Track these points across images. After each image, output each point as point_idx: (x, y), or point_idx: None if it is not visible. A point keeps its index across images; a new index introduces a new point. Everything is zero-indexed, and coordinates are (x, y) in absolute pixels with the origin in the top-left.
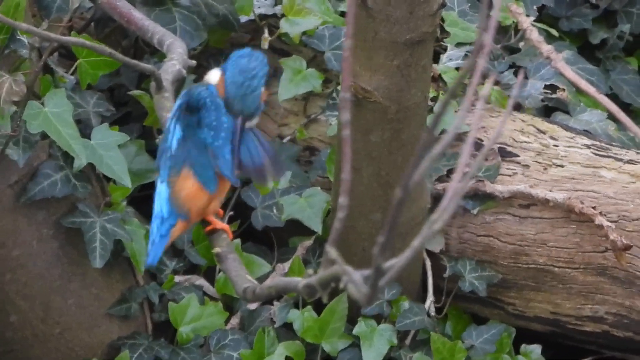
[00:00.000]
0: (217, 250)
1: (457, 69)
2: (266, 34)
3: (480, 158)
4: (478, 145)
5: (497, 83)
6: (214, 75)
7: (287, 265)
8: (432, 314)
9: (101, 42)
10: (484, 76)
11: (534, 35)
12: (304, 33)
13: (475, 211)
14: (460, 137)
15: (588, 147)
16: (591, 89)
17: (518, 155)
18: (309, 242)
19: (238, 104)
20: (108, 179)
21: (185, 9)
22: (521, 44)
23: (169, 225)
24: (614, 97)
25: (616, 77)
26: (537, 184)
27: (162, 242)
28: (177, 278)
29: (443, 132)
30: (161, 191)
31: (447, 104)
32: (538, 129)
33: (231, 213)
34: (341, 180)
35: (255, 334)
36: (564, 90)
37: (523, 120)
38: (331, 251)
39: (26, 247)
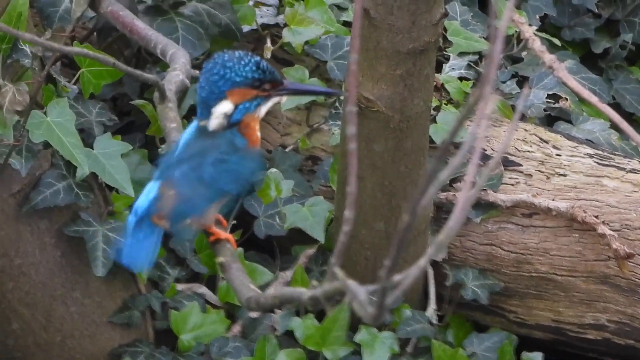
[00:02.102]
0: (220, 259)
1: (460, 78)
2: (269, 44)
3: (488, 170)
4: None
5: (496, 90)
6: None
7: (289, 274)
8: (434, 321)
9: (103, 51)
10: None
11: (537, 44)
12: (306, 42)
13: (478, 220)
14: (458, 146)
15: (591, 156)
16: (594, 99)
17: (521, 165)
18: (311, 251)
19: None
20: (110, 188)
21: (187, 18)
22: (524, 54)
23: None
24: (616, 106)
25: (619, 87)
26: (540, 193)
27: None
28: (179, 286)
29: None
30: (151, 190)
31: (460, 125)
32: (541, 138)
33: (234, 222)
34: (347, 192)
35: (257, 342)
36: (566, 99)
37: (526, 130)
38: (335, 268)
39: (28, 255)
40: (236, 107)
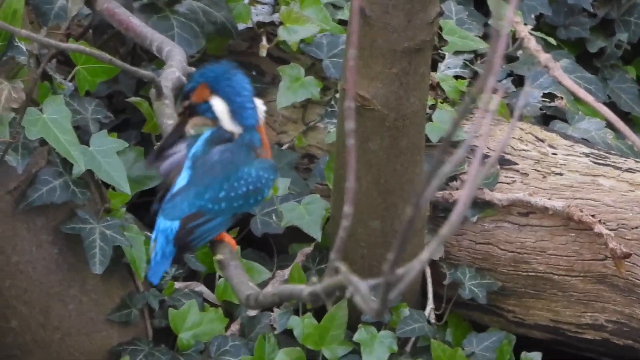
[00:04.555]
0: (219, 257)
1: (455, 77)
2: (264, 42)
3: (486, 169)
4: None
5: (496, 91)
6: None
7: (286, 272)
8: (432, 321)
9: (99, 49)
10: (493, 90)
11: (532, 43)
12: (302, 41)
13: (474, 219)
14: (455, 145)
15: (587, 155)
16: (589, 98)
17: (517, 164)
18: (308, 249)
19: None
20: (107, 186)
21: (183, 16)
22: (519, 53)
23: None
24: (612, 105)
25: (614, 86)
26: (536, 192)
27: (164, 261)
28: (177, 284)
29: (441, 140)
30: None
31: (458, 123)
32: (537, 137)
33: None
34: (345, 188)
35: (256, 340)
36: (562, 98)
37: (522, 129)
38: (337, 262)
39: (25, 253)
40: None
